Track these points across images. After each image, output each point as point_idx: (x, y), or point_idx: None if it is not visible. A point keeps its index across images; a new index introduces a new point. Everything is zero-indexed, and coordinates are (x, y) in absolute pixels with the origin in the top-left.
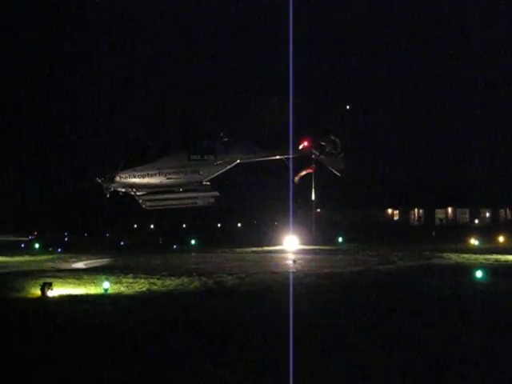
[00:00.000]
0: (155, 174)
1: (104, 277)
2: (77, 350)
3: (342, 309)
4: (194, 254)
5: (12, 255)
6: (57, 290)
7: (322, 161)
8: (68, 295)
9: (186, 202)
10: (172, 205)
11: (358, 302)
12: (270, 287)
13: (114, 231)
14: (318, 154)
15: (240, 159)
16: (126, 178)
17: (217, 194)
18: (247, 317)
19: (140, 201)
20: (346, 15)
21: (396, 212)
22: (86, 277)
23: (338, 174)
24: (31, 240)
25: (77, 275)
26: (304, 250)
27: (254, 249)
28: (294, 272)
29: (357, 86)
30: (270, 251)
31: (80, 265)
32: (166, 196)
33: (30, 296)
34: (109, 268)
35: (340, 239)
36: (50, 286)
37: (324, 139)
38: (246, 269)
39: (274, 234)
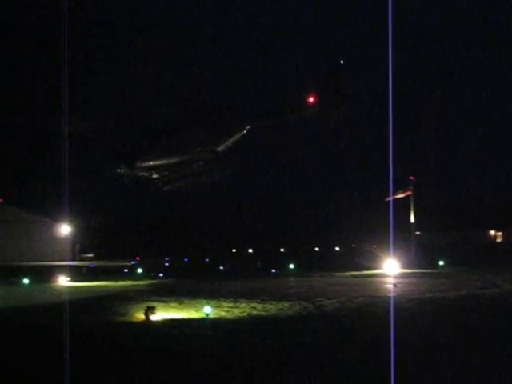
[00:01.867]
0: (176, 153)
1: (205, 301)
2: (180, 374)
3: (450, 334)
4: (292, 279)
5: (116, 280)
6: (160, 314)
7: (324, 115)
8: (170, 319)
9: (203, 176)
10: (190, 179)
11: (465, 326)
12: (370, 311)
13: (213, 256)
14: (323, 109)
15: (250, 125)
16: (148, 161)
17: (232, 164)
18: (351, 341)
19: (161, 183)
20: None
21: (499, 234)
22: (187, 301)
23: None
24: (134, 265)
25: (179, 299)
26: (404, 273)
27: (353, 273)
28: (394, 296)
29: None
30: (370, 275)
31: (181, 289)
32: (184, 171)
33: (133, 320)
34: (209, 292)
35: (441, 262)
36: (153, 310)
37: (329, 84)
38: (345, 293)
39: (372, 257)
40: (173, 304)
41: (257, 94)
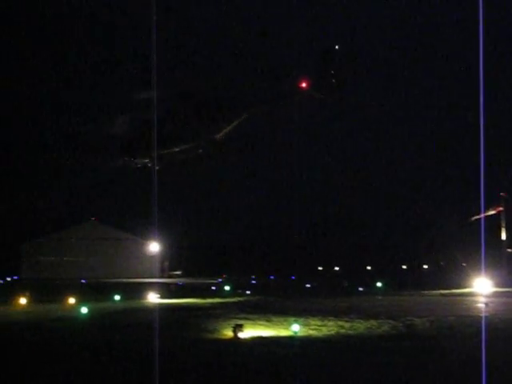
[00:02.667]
0: (177, 142)
1: (293, 319)
2: None
3: None
4: (380, 297)
5: (204, 297)
6: (248, 332)
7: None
8: (258, 337)
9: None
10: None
11: None
12: (463, 332)
13: (299, 273)
14: (317, 93)
15: (248, 113)
16: (162, 152)
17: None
18: (443, 362)
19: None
20: None
21: None
22: (275, 319)
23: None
24: (221, 282)
25: (266, 317)
26: (496, 292)
27: (442, 291)
28: (487, 316)
29: None
30: (460, 294)
31: (268, 307)
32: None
33: (222, 337)
34: (297, 310)
35: None
36: (241, 327)
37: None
38: (435, 312)
39: (462, 275)
40: (261, 322)
41: (253, 80)
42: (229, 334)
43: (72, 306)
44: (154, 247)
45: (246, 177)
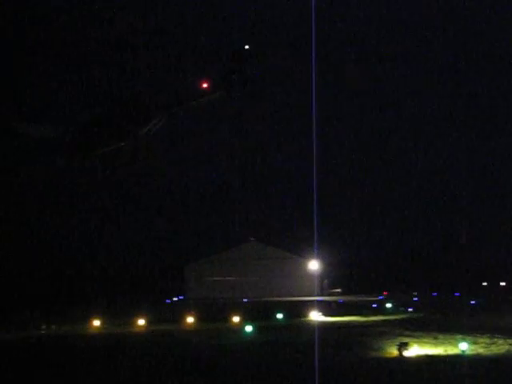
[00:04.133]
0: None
1: (460, 337)
2: None
3: None
4: None
5: (365, 315)
6: (413, 350)
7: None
8: (425, 355)
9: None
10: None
11: None
12: None
13: (463, 289)
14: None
15: (162, 114)
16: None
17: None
18: None
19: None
20: None
21: None
22: (441, 336)
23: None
24: (382, 300)
25: (432, 335)
26: None
27: None
28: None
29: None
30: None
31: (433, 324)
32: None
33: (387, 355)
34: (463, 327)
35: None
36: (406, 345)
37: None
38: None
39: None
40: (425, 339)
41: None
42: (394, 352)
43: (236, 324)
44: (314, 265)
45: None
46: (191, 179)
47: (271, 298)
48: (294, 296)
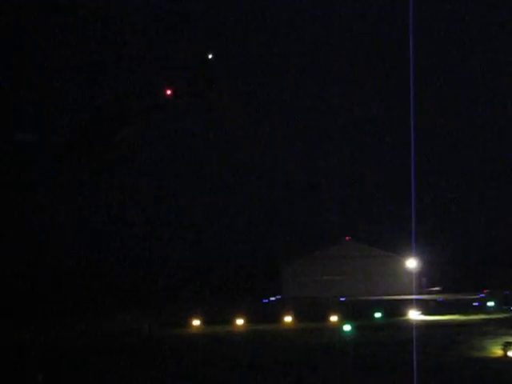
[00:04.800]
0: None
1: None
2: None
3: None
4: None
5: (466, 313)
6: None
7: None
8: None
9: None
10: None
11: None
12: None
13: None
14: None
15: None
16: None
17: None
18: None
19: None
20: None
21: None
22: None
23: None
24: (483, 298)
25: None
26: None
27: None
28: None
29: None
30: None
31: None
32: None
33: (491, 355)
34: None
35: None
36: (511, 345)
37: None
38: None
39: None
40: None
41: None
42: (498, 352)
43: (335, 323)
44: (412, 263)
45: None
46: (288, 178)
47: (368, 297)
48: (392, 295)
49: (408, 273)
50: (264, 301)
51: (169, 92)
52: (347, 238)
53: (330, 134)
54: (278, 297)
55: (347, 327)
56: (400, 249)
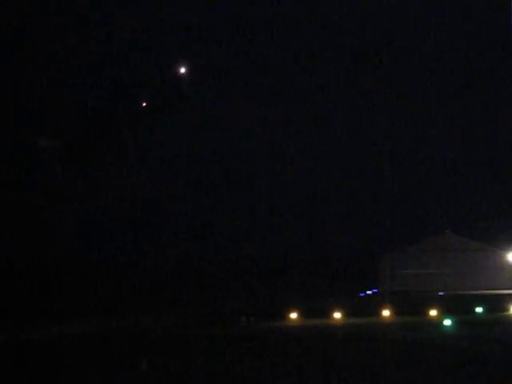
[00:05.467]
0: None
1: None
2: None
3: None
4: None
5: None
6: None
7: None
8: None
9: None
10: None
11: None
12: None
13: None
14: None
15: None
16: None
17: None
18: None
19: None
20: None
21: None
22: None
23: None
24: None
25: None
26: None
27: None
28: None
29: None
30: None
31: None
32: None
33: None
34: None
35: None
36: None
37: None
38: None
39: None
40: None
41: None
42: None
43: (434, 318)
44: None
45: None
46: (390, 169)
47: (468, 292)
48: (493, 289)
49: (510, 267)
50: (361, 294)
51: (144, 104)
52: (447, 230)
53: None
54: (375, 290)
55: (447, 322)
56: (502, 243)
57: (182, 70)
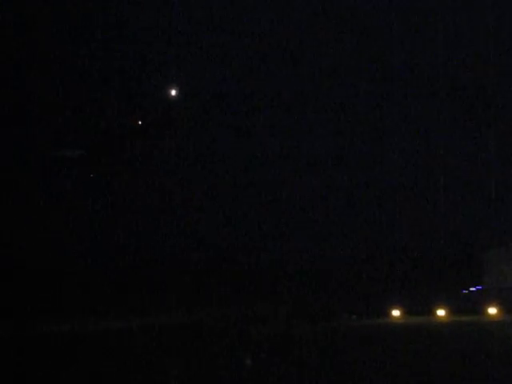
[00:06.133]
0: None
1: None
2: None
3: None
4: None
5: None
6: None
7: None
8: None
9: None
10: None
11: None
12: None
13: None
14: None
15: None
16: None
17: None
18: None
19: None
20: None
21: None
22: None
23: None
24: None
25: None
26: None
27: None
28: None
29: None
30: None
31: None
32: None
33: None
34: None
35: None
36: None
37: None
38: None
39: None
40: None
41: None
42: None
43: None
44: None
45: None
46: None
47: None
48: None
49: None
50: (463, 291)
51: (133, 121)
52: None
53: None
54: (479, 287)
55: None
56: None
57: (173, 92)
